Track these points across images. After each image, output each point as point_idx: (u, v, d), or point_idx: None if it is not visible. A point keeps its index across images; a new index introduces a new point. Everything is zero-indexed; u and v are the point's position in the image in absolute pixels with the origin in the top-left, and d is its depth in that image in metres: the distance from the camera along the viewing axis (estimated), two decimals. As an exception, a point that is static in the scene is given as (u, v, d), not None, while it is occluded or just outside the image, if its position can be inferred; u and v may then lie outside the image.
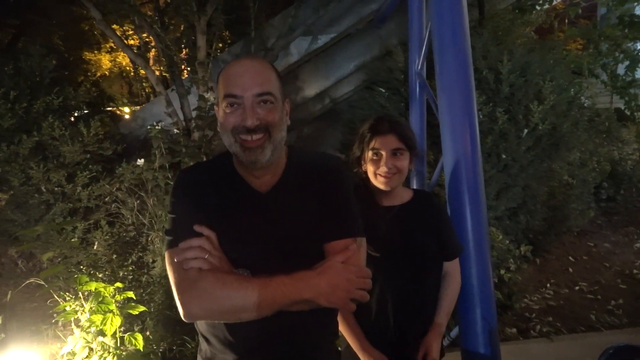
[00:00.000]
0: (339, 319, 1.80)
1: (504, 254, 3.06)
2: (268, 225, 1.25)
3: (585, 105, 6.07)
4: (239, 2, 4.19)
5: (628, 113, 6.49)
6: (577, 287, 3.64)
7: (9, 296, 2.90)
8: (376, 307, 1.77)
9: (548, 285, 3.65)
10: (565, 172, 4.21)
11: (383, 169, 1.73)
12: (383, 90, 4.13)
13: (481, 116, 3.54)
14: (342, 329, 1.80)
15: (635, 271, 3.89)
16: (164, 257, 1.25)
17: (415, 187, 2.93)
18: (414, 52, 2.92)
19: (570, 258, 4.08)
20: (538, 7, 7.40)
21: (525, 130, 3.61)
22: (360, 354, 1.73)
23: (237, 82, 1.19)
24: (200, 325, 1.33)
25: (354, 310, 1.76)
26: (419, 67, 2.86)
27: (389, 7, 3.99)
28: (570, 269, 3.90)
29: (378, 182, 1.77)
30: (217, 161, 1.38)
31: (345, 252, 1.22)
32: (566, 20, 8.35)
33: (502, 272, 3.00)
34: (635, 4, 6.52)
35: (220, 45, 5.69)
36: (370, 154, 1.76)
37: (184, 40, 4.13)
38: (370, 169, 1.77)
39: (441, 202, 2.37)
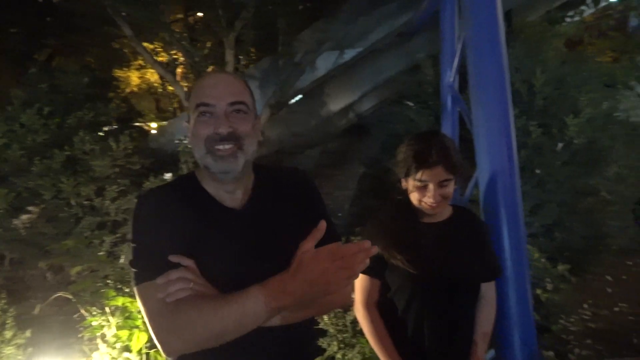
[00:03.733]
0: (370, 335, 1.74)
1: (541, 273, 2.92)
2: (248, 242, 1.19)
3: (619, 118, 5.88)
4: (267, 18, 4.22)
5: (665, 127, 6.26)
6: (616, 309, 3.47)
7: (36, 309, 2.91)
8: (412, 327, 1.71)
9: (586, 306, 3.48)
10: (603, 188, 4.04)
11: (430, 200, 1.65)
12: (412, 104, 4.07)
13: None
14: (375, 346, 1.74)
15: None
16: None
17: (446, 202, 2.84)
18: (446, 64, 2.86)
19: (609, 277, 3.89)
20: (568, 19, 7.27)
21: (561, 144, 3.49)
22: None
23: (211, 92, 1.17)
24: None
25: (389, 328, 1.72)
26: (452, 79, 2.79)
27: (420, 19, 3.94)
28: (609, 289, 3.72)
29: (423, 207, 1.69)
30: (181, 182, 1.31)
31: (314, 233, 1.09)
32: (597, 33, 8.19)
33: (539, 292, 2.87)
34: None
35: (248, 61, 5.74)
36: (415, 182, 1.67)
37: (212, 56, 4.17)
38: (414, 195, 1.69)
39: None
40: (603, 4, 7.66)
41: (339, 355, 2.89)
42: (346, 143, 7.35)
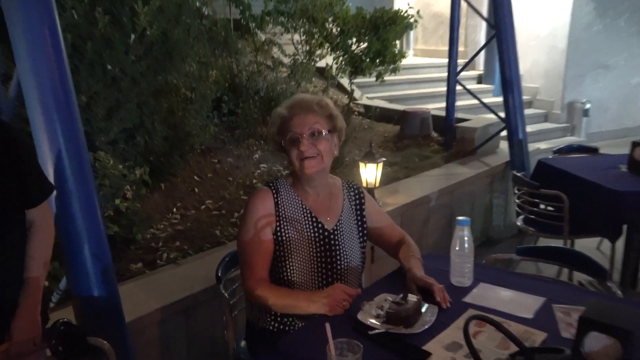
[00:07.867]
0: None
1: (119, 182, 3.10)
2: None
3: (206, 14, 6.57)
4: None
5: (244, 24, 7.40)
6: (203, 207, 4.10)
7: None
8: None
9: (175, 209, 3.96)
10: (183, 86, 4.53)
11: None
12: None
13: (76, 16, 3.34)
14: None
15: (254, 181, 4.67)
16: None
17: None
18: None
19: (196, 178, 4.50)
20: None
21: (133, 36, 3.63)
22: None
23: None
24: None
25: None
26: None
27: None
28: (197, 189, 4.33)
29: None
30: None
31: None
32: None
33: (118, 201, 3.06)
34: None
35: None
36: None
37: None
38: None
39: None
40: None
41: None
42: None
